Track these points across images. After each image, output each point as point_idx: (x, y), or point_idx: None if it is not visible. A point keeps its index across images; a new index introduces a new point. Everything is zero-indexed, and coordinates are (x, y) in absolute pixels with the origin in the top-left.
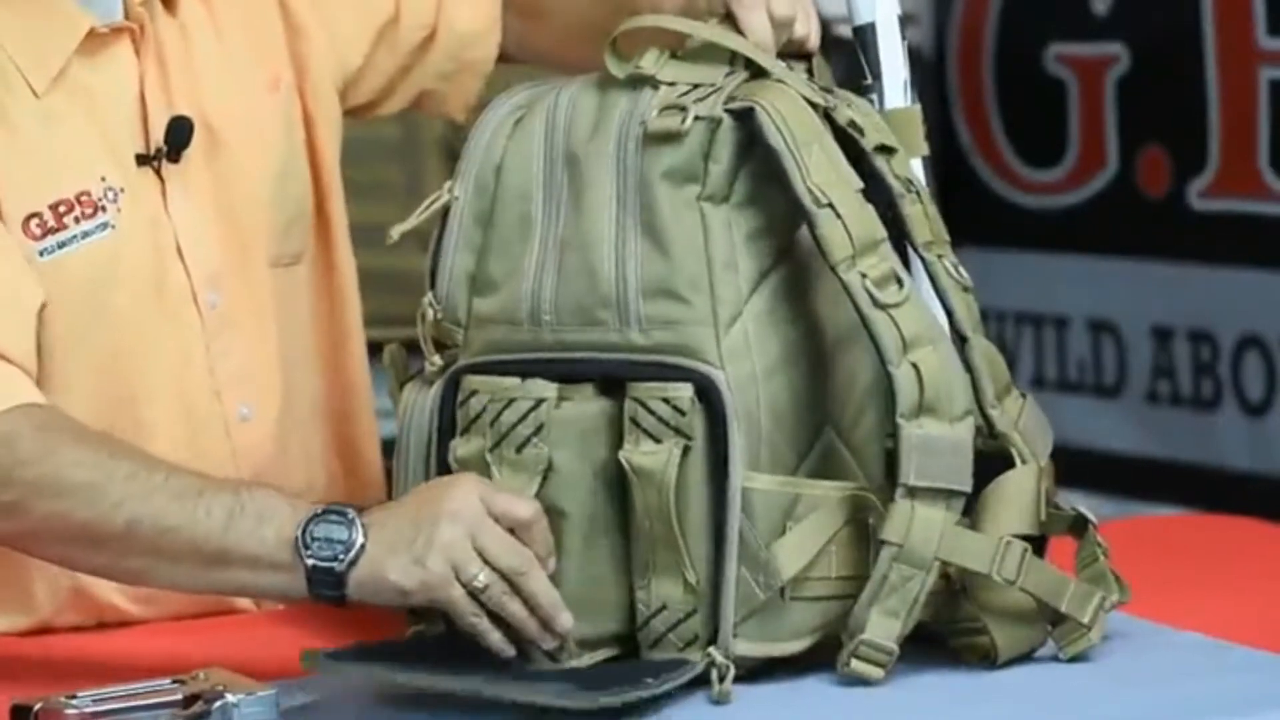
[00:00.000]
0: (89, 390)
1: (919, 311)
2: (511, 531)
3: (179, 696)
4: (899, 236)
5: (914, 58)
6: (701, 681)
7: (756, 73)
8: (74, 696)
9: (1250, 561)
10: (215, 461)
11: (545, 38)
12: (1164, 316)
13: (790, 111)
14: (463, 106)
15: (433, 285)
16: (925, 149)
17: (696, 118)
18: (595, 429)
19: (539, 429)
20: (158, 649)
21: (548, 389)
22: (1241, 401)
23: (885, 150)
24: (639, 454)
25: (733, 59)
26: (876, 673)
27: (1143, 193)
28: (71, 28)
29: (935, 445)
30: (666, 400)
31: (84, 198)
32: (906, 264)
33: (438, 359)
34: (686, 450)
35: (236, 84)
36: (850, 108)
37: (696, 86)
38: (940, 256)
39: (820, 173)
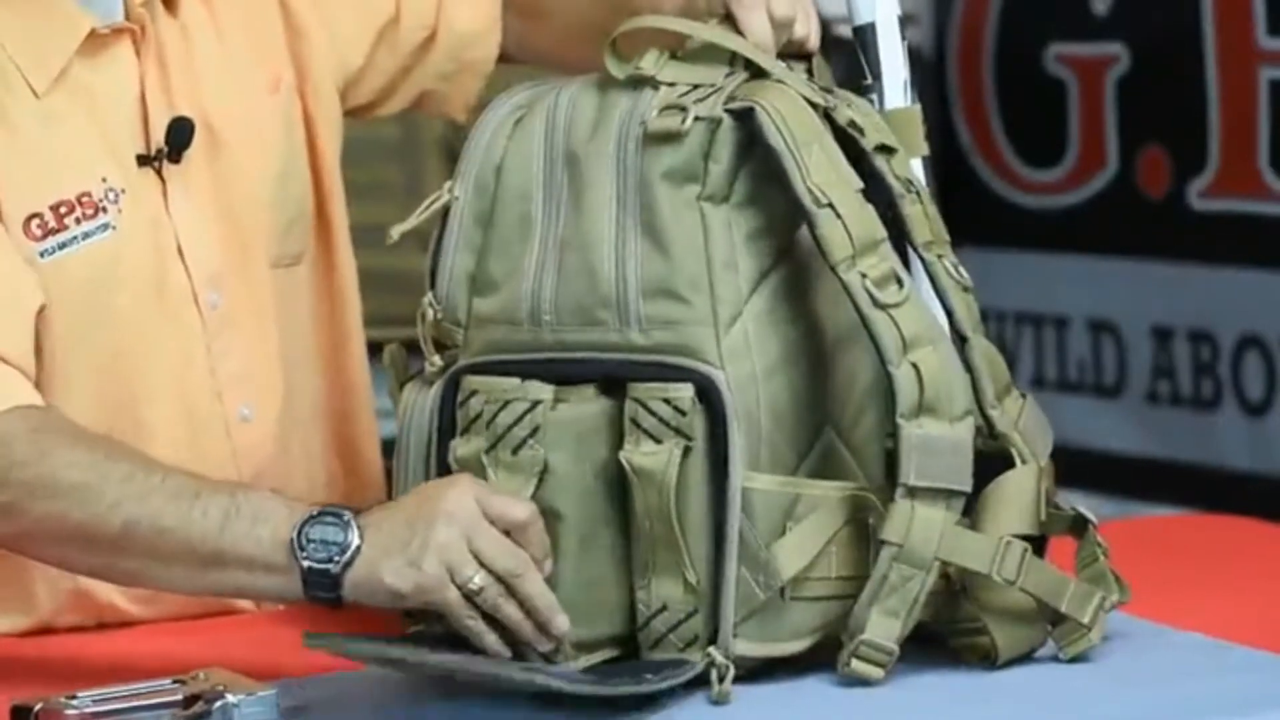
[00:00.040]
0: (90, 391)
1: (919, 311)
2: (507, 534)
3: (179, 697)
4: (899, 236)
5: (914, 58)
6: (701, 681)
7: (756, 73)
8: (74, 697)
9: (1250, 561)
10: (216, 462)
11: (545, 38)
12: (1164, 316)
13: (790, 111)
14: (463, 106)
15: (433, 285)
16: (925, 149)
17: (696, 118)
18: (593, 430)
19: (535, 431)
20: (158, 649)
21: (544, 390)
22: (1241, 401)
23: (885, 150)
24: (639, 454)
25: (733, 59)
26: (876, 673)
27: (1143, 193)
28: (72, 28)
29: (935, 445)
30: (667, 400)
31: (85, 198)
32: (906, 264)
33: (438, 359)
34: (687, 450)
35: (237, 85)
36: (850, 108)
37: (696, 87)
38: (940, 256)
39: (820, 173)
